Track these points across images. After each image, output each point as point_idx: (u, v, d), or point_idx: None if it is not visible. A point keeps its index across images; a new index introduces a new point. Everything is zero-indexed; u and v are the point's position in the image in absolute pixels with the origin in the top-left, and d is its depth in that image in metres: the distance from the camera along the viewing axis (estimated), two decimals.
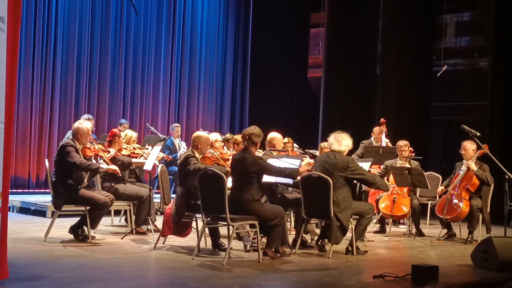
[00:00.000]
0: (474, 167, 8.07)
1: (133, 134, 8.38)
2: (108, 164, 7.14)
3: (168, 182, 7.83)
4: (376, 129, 10.39)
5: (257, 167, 6.27)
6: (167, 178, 7.71)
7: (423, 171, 8.24)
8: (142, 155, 7.85)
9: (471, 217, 8.02)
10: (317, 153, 8.71)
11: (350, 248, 6.81)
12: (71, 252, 6.38)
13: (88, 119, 9.90)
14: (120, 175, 7.27)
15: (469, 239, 8.06)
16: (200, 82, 13.81)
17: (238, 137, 8.11)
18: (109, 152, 7.43)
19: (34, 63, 11.17)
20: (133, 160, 7.72)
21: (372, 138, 10.43)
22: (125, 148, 7.86)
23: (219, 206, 6.06)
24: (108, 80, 12.25)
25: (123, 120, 11.18)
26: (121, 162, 7.54)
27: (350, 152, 7.18)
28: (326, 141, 7.46)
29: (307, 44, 15.21)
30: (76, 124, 7.15)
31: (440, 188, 8.48)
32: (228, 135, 9.34)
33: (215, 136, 7.69)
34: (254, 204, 6.26)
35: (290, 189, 7.62)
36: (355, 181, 6.95)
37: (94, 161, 7.48)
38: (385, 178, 9.06)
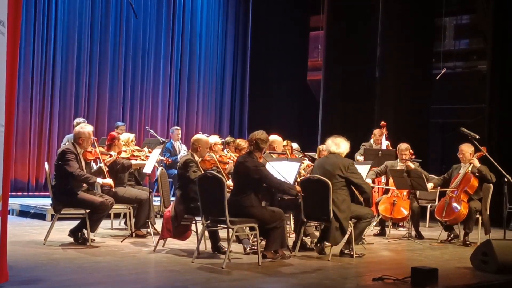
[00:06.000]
0: (477, 163, 8.08)
1: (131, 136, 8.40)
2: (105, 172, 7.15)
3: (168, 185, 7.84)
4: (377, 131, 10.41)
5: (258, 175, 6.28)
6: (167, 181, 7.72)
7: (423, 174, 8.24)
8: (140, 157, 7.89)
9: (469, 219, 8.01)
10: (316, 156, 8.73)
11: (344, 251, 6.82)
12: (71, 255, 6.39)
13: (84, 123, 9.89)
14: (113, 189, 7.25)
15: (466, 241, 8.07)
16: (199, 85, 13.83)
17: (241, 142, 8.11)
18: (110, 156, 7.43)
19: (34, 66, 11.18)
20: (133, 162, 7.74)
21: (371, 141, 10.43)
22: (125, 151, 7.89)
23: (218, 209, 6.07)
24: (108, 83, 12.26)
25: (119, 123, 11.18)
26: (120, 164, 7.56)
27: (349, 155, 7.19)
28: (324, 144, 7.49)
29: (307, 47, 15.23)
30: (77, 128, 7.17)
31: (430, 185, 8.37)
32: (229, 138, 9.34)
33: (214, 139, 7.70)
34: (253, 209, 6.28)
35: None
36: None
37: (93, 165, 7.51)
38: (383, 178, 9.15)
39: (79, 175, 6.83)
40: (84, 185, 7.05)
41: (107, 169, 7.20)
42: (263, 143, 6.47)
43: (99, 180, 7.06)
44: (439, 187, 8.53)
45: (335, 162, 6.77)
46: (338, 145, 6.88)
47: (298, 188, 6.63)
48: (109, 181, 7.11)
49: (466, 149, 8.20)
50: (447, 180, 8.41)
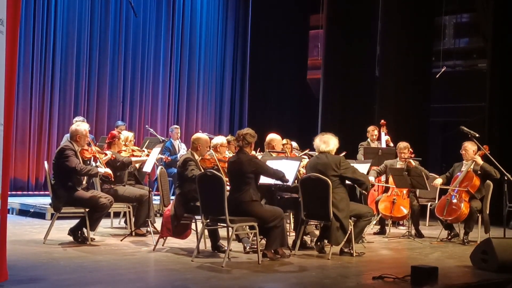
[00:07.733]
0: (480, 160, 8.07)
1: (129, 134, 8.41)
2: (103, 167, 7.19)
3: (168, 184, 7.84)
4: (370, 128, 10.39)
5: (253, 167, 6.29)
6: (167, 180, 7.72)
7: (422, 172, 8.23)
8: (140, 157, 7.92)
9: (470, 218, 8.01)
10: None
11: (344, 249, 6.81)
12: (71, 254, 6.39)
13: (83, 122, 9.90)
14: (113, 179, 7.26)
15: (465, 240, 8.07)
16: (199, 83, 13.84)
17: None
18: (106, 154, 7.45)
19: (33, 65, 11.18)
20: (133, 158, 7.76)
21: (368, 140, 10.41)
22: (125, 150, 7.90)
23: (218, 207, 6.07)
24: (108, 82, 12.27)
25: (119, 122, 11.20)
26: (120, 162, 7.57)
27: (350, 157, 7.18)
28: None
29: (306, 45, 15.23)
30: (74, 126, 7.18)
31: (439, 180, 8.39)
32: (229, 137, 9.30)
33: (221, 140, 7.59)
34: (253, 205, 6.27)
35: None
36: (348, 182, 6.90)
37: (93, 163, 7.52)
38: (382, 177, 9.12)
39: (81, 169, 6.85)
40: (84, 183, 7.06)
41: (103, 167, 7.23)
42: (251, 137, 6.47)
43: (101, 169, 7.08)
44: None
45: (326, 162, 6.71)
46: (327, 142, 6.82)
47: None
48: (108, 170, 7.15)
49: (470, 146, 8.19)
50: (449, 179, 8.42)
